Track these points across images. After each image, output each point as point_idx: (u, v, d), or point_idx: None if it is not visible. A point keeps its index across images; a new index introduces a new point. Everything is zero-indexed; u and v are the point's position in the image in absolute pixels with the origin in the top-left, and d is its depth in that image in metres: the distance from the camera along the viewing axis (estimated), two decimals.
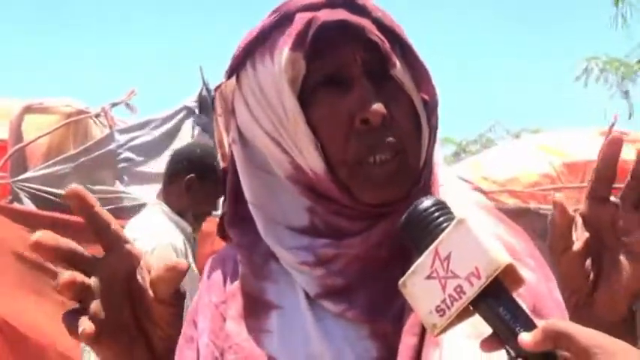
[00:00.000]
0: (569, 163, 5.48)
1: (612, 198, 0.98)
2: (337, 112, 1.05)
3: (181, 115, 4.87)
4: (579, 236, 0.99)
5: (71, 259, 0.87)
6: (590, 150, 5.08)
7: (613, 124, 4.65)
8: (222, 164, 1.22)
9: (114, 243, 0.89)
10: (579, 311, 0.97)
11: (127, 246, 0.89)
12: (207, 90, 4.85)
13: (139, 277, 0.89)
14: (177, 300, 0.91)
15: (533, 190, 5.21)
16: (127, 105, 4.92)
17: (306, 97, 1.06)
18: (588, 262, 0.98)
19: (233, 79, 1.14)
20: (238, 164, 1.15)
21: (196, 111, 4.89)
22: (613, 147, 0.97)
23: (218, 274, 1.15)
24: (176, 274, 0.87)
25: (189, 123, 4.86)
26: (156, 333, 0.92)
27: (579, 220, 0.99)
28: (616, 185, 0.96)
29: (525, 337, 0.79)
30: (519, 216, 3.70)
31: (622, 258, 0.94)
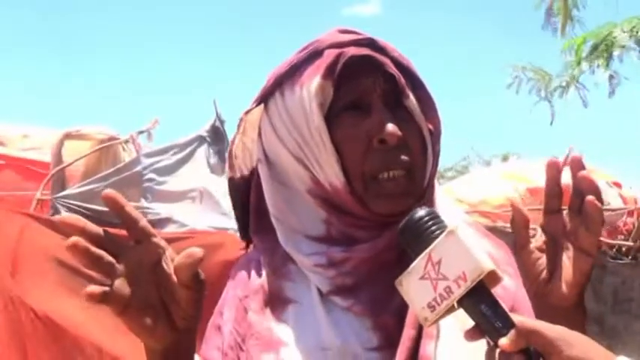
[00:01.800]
0: (532, 188, 5.60)
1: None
2: (358, 132, 1.10)
3: (195, 143, 4.99)
4: (538, 241, 1.06)
5: (98, 241, 0.91)
6: None
7: (568, 155, 4.63)
8: (230, 174, 1.28)
9: (142, 236, 0.93)
10: (538, 300, 1.02)
11: (154, 239, 0.93)
12: (220, 121, 5.02)
13: (164, 264, 0.93)
14: (197, 284, 0.93)
15: (501, 212, 5.34)
16: (148, 133, 5.08)
17: (330, 120, 1.11)
18: (543, 259, 1.04)
19: (261, 105, 1.19)
20: (263, 182, 1.20)
21: (208, 140, 5.03)
22: (551, 170, 1.03)
23: (243, 273, 1.20)
24: (193, 260, 0.90)
25: (202, 150, 4.98)
26: (178, 313, 0.94)
27: (539, 231, 1.06)
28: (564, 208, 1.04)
29: (504, 341, 0.84)
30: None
31: (571, 254, 1.00)
